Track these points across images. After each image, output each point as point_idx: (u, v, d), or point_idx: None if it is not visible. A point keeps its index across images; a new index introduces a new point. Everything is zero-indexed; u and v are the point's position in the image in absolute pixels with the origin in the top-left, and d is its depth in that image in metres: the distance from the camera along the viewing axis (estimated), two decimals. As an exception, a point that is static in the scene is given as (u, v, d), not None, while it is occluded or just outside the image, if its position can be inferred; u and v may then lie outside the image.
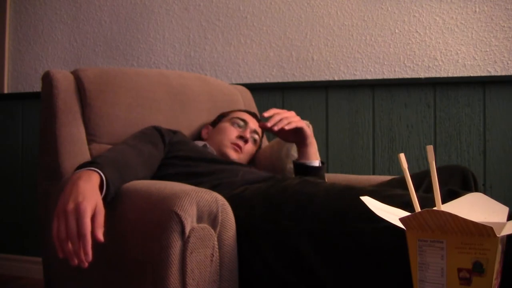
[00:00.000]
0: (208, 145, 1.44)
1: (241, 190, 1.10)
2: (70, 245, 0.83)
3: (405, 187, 0.73)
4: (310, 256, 0.89)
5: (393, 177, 1.38)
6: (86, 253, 0.82)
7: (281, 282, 0.96)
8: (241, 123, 1.49)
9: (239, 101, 1.76)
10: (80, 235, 0.82)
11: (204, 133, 1.56)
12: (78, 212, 0.83)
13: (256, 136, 1.52)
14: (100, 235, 0.83)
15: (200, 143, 1.45)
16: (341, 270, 0.87)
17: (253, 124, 1.52)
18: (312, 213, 0.92)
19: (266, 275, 0.96)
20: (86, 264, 0.82)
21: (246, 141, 1.45)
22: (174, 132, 1.38)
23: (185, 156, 1.29)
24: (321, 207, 0.92)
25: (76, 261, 0.82)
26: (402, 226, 0.63)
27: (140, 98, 1.46)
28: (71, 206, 0.84)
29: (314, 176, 1.31)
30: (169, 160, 1.28)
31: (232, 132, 1.46)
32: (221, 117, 1.57)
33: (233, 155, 1.43)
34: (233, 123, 1.48)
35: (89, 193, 0.88)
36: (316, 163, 1.37)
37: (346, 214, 0.88)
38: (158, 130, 1.32)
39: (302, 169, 1.36)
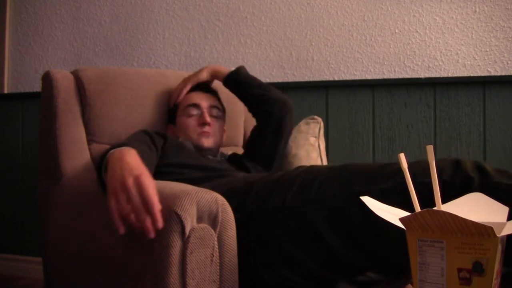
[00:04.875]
0: (184, 142, 1.41)
1: (240, 183, 1.11)
2: (133, 217, 0.84)
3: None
4: (319, 224, 0.90)
5: None
6: (157, 221, 0.83)
7: (281, 281, 0.95)
8: (194, 110, 1.44)
9: (239, 101, 1.76)
10: (149, 205, 0.83)
11: (170, 134, 1.48)
12: (140, 185, 0.85)
13: (215, 111, 1.48)
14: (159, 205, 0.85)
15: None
16: (351, 235, 0.89)
17: (205, 101, 1.47)
18: (320, 183, 0.95)
19: (267, 273, 0.96)
20: (153, 234, 0.84)
21: (208, 124, 1.43)
22: (165, 137, 1.32)
23: (182, 164, 1.26)
24: (327, 177, 0.96)
25: (150, 230, 0.84)
26: (402, 226, 0.63)
27: (140, 98, 1.46)
28: (130, 180, 0.86)
29: (243, 79, 1.54)
30: (164, 168, 1.24)
31: (192, 124, 1.43)
32: (172, 111, 1.50)
33: (206, 142, 1.41)
34: (188, 115, 1.44)
35: (143, 167, 0.91)
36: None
37: (353, 178, 0.92)
38: (148, 134, 1.27)
39: (230, 81, 1.53)
